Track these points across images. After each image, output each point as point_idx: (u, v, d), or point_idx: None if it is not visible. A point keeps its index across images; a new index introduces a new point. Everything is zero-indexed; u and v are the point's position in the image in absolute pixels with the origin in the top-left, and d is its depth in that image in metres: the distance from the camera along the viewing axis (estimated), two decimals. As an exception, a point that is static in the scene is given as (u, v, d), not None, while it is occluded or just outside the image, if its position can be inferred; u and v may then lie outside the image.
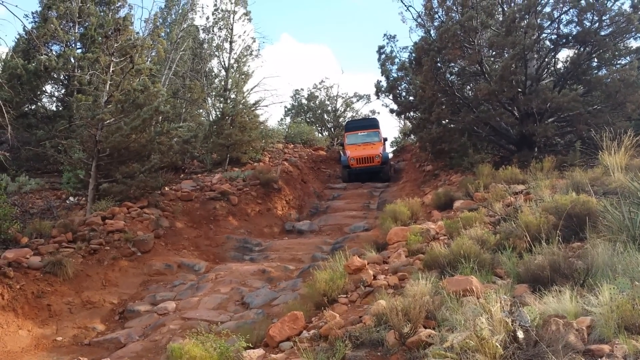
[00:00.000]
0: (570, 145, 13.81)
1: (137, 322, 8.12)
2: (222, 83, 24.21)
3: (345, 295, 6.01)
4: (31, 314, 8.01)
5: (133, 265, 10.13)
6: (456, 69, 16.17)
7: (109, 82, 12.77)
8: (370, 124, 23.06)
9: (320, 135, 30.90)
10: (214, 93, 24.16)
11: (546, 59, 14.71)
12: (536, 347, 3.29)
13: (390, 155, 25.57)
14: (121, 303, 8.91)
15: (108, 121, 12.19)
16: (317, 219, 15.43)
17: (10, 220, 9.92)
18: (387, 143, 23.16)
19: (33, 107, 18.00)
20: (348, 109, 33.63)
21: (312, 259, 10.83)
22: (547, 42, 14.85)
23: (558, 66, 15.24)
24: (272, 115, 44.76)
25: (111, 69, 12.87)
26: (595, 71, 14.27)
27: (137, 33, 17.97)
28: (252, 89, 24.67)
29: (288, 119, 32.92)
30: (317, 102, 33.51)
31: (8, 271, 8.25)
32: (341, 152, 22.62)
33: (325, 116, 33.38)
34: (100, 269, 9.61)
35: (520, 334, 3.38)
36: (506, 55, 13.58)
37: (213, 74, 25.62)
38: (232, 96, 22.23)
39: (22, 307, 7.99)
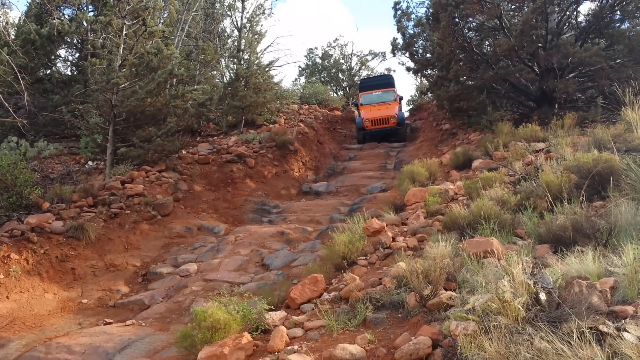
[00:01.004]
0: (591, 101, 13.52)
1: (160, 283, 8.28)
2: (235, 44, 23.94)
3: (364, 257, 6.04)
4: (56, 277, 8.19)
5: (154, 229, 10.27)
6: (474, 24, 15.75)
7: (122, 46, 12.68)
8: (385, 82, 22.47)
9: (335, 95, 30.60)
10: (227, 54, 23.92)
11: (567, 13, 14.23)
12: (559, 309, 3.28)
13: (407, 114, 25.27)
14: (143, 265, 9.08)
15: (123, 85, 12.17)
16: (333, 180, 15.44)
17: (31, 186, 10.05)
18: (404, 102, 22.80)
19: (48, 72, 18.02)
20: (363, 67, 33.18)
21: (330, 220, 10.88)
22: (569, -5, 14.36)
23: (579, 19, 14.79)
24: (287, 76, 44.28)
25: (124, 32, 12.77)
26: (618, 24, 13.79)
27: (148, -6, 17.68)
28: (265, 49, 24.45)
29: (302, 79, 32.68)
30: (331, 61, 33.08)
31: (31, 236, 8.39)
32: (356, 112, 22.35)
33: (340, 75, 32.98)
34: (121, 233, 9.76)
35: (542, 296, 3.37)
36: (526, 9, 13.18)
37: (226, 34, 25.35)
38: (246, 57, 21.99)
39: (46, 271, 8.16)
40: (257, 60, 21.18)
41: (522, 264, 3.54)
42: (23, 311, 7.22)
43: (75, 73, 18.69)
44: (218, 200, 12.46)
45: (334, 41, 34.61)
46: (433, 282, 4.22)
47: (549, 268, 3.91)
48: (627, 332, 2.88)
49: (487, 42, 16.07)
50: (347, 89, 32.16)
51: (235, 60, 21.78)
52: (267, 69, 19.71)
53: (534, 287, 3.39)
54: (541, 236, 5.04)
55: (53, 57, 18.10)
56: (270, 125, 18.97)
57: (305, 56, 34.16)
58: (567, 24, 14.47)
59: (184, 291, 7.70)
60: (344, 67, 32.95)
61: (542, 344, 2.93)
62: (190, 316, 5.16)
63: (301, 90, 26.93)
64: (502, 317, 3.24)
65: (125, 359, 5.69)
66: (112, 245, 9.38)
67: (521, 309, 3.24)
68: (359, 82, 25.18)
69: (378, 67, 34.69)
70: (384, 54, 32.79)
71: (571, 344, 2.83)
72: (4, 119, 11.58)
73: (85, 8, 18.58)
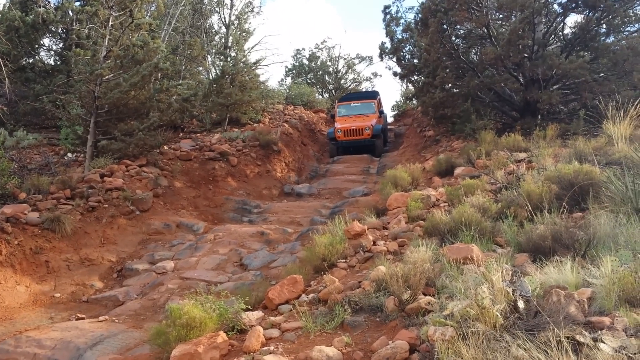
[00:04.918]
0: (574, 113, 13.69)
1: (136, 280, 8.15)
2: (223, 40, 23.80)
3: (344, 260, 6.01)
4: (29, 270, 8.01)
5: (131, 224, 10.11)
6: (462, 31, 15.85)
7: (107, 37, 12.50)
8: (367, 95, 21.63)
9: (321, 97, 30.58)
10: (214, 51, 23.76)
11: (554, 24, 14.40)
12: (537, 318, 3.28)
13: (391, 120, 25.13)
14: (119, 261, 8.93)
15: (107, 77, 12.00)
16: (316, 182, 15.40)
17: (8, 176, 9.84)
18: (387, 115, 21.94)
19: (31, 61, 17.69)
20: (350, 70, 33.21)
21: (311, 222, 10.83)
22: (556, 6, 14.49)
23: (566, 32, 14.97)
24: (273, 75, 43.50)
25: (110, 23, 12.58)
26: (603, 38, 13.97)
27: (137, -14, 17.46)
28: (252, 48, 24.51)
29: (289, 80, 32.61)
30: (318, 62, 33.06)
31: (6, 226, 8.20)
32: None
33: (327, 77, 32.99)
34: (98, 227, 9.59)
35: (520, 304, 3.36)
36: (514, 19, 13.29)
37: (213, 30, 25.20)
38: (233, 54, 21.86)
39: (20, 263, 7.98)
40: (244, 58, 21.05)
41: (502, 272, 3.53)
42: (-7, 303, 7.05)
43: (58, 63, 18.37)
44: (198, 198, 12.33)
45: (322, 43, 34.67)
46: (412, 286, 4.20)
47: (528, 276, 3.92)
48: (604, 342, 2.88)
49: (474, 50, 16.17)
50: (333, 91, 32.18)
51: (222, 57, 21.63)
52: (253, 68, 19.57)
53: (513, 294, 3.39)
54: (521, 245, 5.06)
55: (37, 46, 17.77)
56: (255, 125, 18.85)
57: (293, 57, 34.24)
58: (553, 35, 14.63)
59: (160, 289, 7.59)
60: (330, 69, 32.96)
61: (519, 352, 2.92)
62: (165, 314, 5.07)
63: (287, 91, 26.84)
64: (480, 323, 3.23)
65: (97, 355, 5.57)
66: (88, 239, 9.21)
67: (499, 316, 3.23)
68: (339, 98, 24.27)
69: (365, 71, 34.93)
70: (371, 58, 32.94)
71: (548, 353, 2.83)
72: (-18, 106, 11.34)
73: (71, -3, 18.29)
